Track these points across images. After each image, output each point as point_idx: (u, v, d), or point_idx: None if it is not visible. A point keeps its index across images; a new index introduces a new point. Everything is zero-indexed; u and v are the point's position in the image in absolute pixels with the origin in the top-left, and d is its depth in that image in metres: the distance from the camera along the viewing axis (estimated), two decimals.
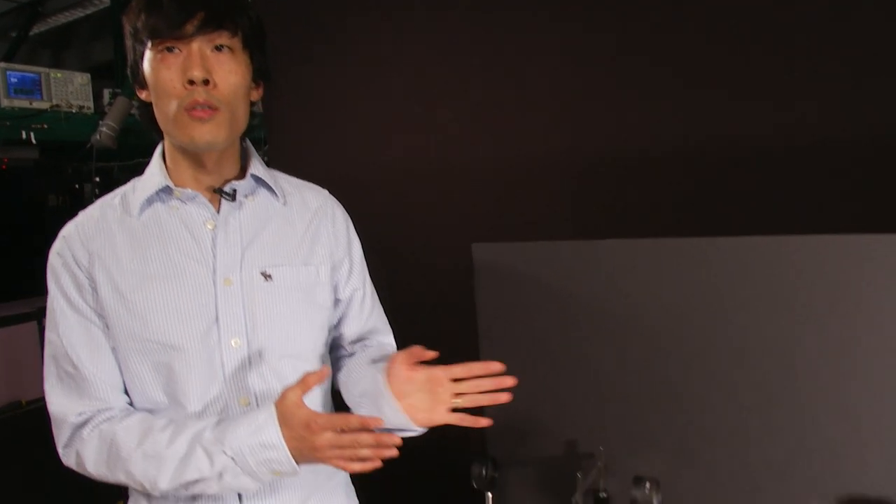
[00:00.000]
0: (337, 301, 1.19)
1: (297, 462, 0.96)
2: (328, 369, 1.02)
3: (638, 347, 1.37)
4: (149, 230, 1.05)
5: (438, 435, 1.76)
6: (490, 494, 1.41)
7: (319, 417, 0.94)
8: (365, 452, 0.94)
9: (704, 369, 1.33)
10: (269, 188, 1.12)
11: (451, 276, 1.66)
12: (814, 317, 1.23)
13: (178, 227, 1.06)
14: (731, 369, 1.30)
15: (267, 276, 1.07)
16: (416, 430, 1.07)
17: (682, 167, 1.48)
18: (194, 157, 1.05)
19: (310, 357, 1.12)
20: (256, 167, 1.11)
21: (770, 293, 1.26)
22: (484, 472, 1.39)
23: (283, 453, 0.95)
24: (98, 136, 2.53)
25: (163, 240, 1.05)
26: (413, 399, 1.05)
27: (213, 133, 1.00)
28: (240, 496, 1.06)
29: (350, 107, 1.87)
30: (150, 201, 1.06)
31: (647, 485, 1.26)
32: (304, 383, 0.95)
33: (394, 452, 0.94)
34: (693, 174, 1.47)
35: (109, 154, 2.76)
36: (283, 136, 1.99)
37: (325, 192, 1.23)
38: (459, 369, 1.04)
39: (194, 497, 1.04)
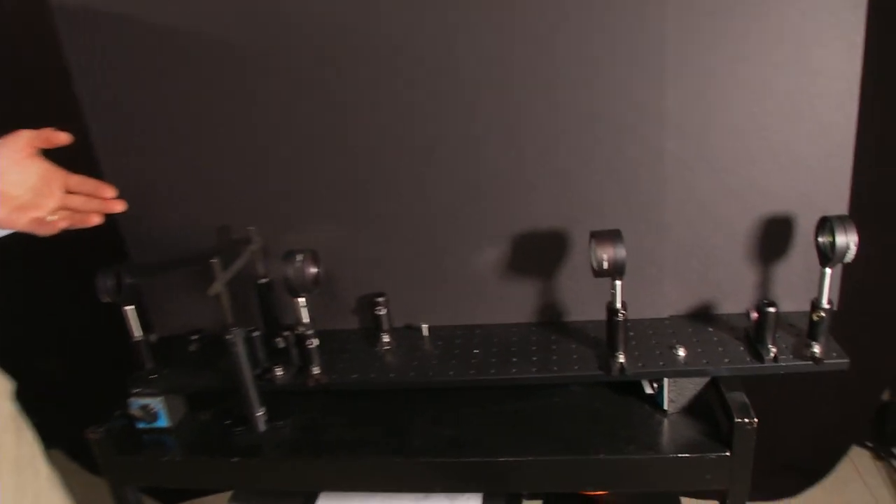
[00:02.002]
0: None
1: None
2: None
3: (271, 97, 1.13)
4: None
5: (69, 243, 1.42)
6: (129, 308, 1.17)
7: None
8: None
9: (369, 120, 1.13)
10: None
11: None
12: (468, 51, 1.06)
13: None
14: (398, 119, 1.12)
15: None
16: None
17: None
18: None
19: None
20: None
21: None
22: (113, 283, 1.13)
23: None
24: None
25: None
26: (13, 188, 0.88)
27: None
28: None
29: None
30: None
31: (300, 257, 1.09)
32: None
33: None
34: None
35: None
36: None
37: None
38: (77, 181, 0.94)
39: None
